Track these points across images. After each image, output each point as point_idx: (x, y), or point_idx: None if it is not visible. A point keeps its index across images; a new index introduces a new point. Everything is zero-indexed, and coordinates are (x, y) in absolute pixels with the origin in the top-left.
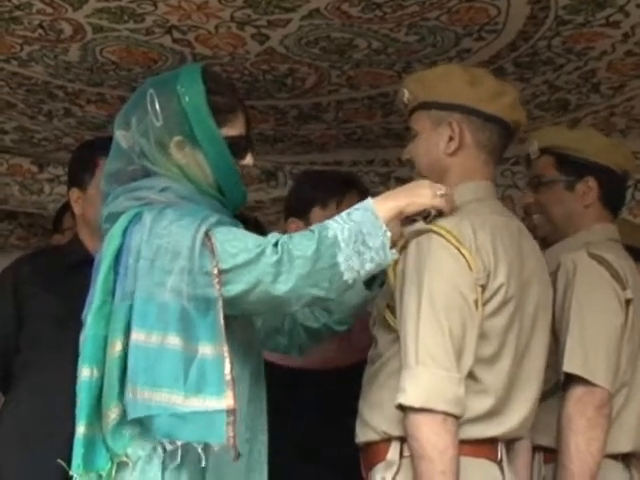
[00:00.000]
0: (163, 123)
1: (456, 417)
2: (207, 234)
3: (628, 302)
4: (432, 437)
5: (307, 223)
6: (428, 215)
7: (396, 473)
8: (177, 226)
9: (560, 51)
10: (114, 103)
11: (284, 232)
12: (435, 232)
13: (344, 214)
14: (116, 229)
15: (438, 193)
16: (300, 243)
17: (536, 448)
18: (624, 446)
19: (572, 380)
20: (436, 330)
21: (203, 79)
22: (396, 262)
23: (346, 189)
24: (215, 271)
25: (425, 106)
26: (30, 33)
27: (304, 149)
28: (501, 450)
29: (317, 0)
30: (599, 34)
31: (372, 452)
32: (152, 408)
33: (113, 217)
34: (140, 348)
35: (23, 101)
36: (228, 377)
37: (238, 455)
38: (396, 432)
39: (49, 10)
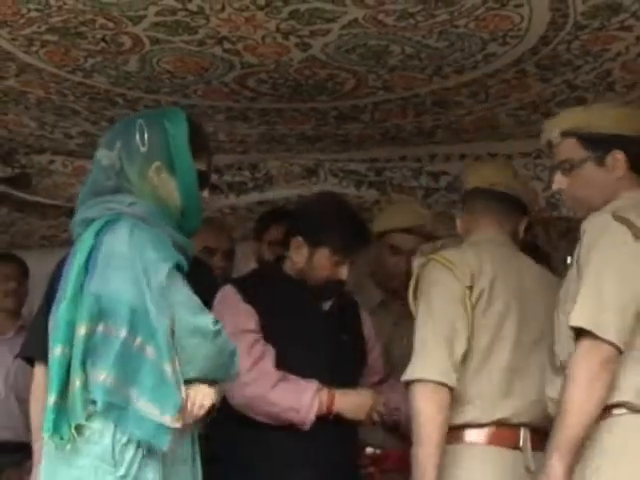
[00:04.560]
0: (147, 149)
1: (447, 387)
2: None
3: None
4: (422, 403)
5: None
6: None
7: None
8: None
9: (578, 53)
10: None
11: None
12: (434, 259)
13: None
14: (89, 233)
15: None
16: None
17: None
18: None
19: (581, 335)
20: (433, 333)
21: (187, 120)
22: (412, 285)
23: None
24: None
25: None
26: (93, 46)
27: (342, 147)
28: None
29: (355, 11)
30: (614, 37)
31: None
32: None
33: (86, 222)
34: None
35: (87, 108)
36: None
37: None
38: None
39: (111, 25)
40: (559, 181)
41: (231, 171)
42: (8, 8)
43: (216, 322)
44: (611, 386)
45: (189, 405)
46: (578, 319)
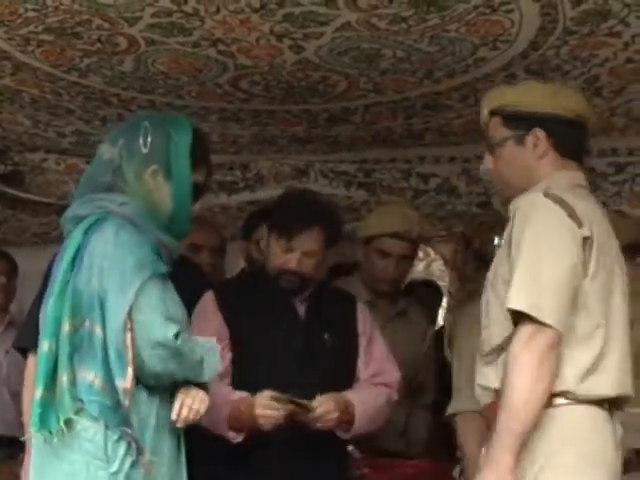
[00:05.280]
0: (149, 152)
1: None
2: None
3: (585, 240)
4: (463, 431)
5: None
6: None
7: None
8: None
9: (567, 58)
10: (163, 109)
11: None
12: (458, 314)
13: None
14: (78, 231)
15: None
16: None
17: None
18: (609, 390)
19: (521, 319)
20: (463, 371)
21: (192, 131)
22: (446, 337)
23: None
24: None
25: None
26: (89, 47)
27: (333, 149)
28: None
29: (348, 14)
30: (602, 43)
31: None
32: None
33: (77, 219)
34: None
35: (81, 108)
36: None
37: None
38: None
39: (107, 26)
40: (487, 161)
41: (222, 170)
42: (5, 8)
43: (177, 337)
44: (555, 373)
45: (185, 411)
46: (518, 302)
